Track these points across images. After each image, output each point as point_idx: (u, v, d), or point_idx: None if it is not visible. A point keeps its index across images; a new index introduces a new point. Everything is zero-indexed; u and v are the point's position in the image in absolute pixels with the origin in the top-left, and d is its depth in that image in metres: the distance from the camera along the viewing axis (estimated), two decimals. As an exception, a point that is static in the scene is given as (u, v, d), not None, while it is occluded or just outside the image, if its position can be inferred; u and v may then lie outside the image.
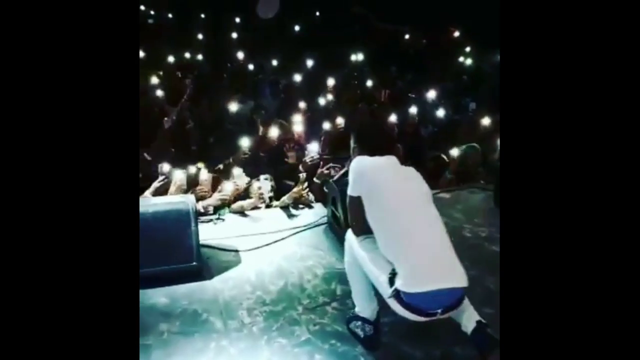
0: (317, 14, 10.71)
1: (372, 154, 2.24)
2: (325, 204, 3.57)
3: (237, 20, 9.85)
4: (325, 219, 3.50)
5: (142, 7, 11.23)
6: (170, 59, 7.46)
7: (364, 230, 2.19)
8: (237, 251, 3.13)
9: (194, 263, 2.81)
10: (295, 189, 3.70)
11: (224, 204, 3.61)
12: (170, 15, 10.44)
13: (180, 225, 2.85)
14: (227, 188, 3.60)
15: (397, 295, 1.98)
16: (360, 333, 2.30)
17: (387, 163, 2.23)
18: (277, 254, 3.12)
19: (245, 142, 4.11)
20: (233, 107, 5.59)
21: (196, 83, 6.63)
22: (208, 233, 3.23)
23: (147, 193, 3.53)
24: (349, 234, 2.32)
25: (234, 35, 9.06)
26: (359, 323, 2.30)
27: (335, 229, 3.33)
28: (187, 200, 2.96)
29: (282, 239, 3.28)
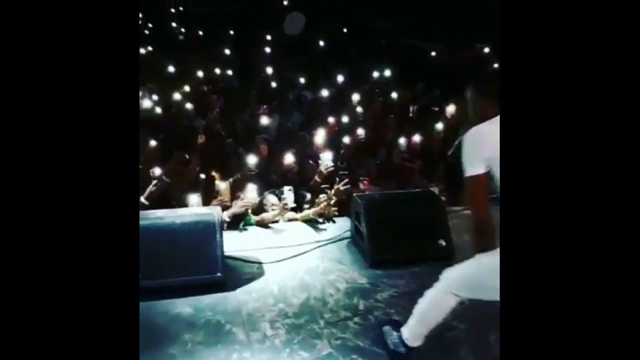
0: (344, 30, 10.84)
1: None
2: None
3: (267, 37, 10.06)
4: (348, 234, 3.51)
5: (174, 24, 11.62)
6: (200, 73, 7.65)
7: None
8: (260, 263, 3.16)
9: (219, 274, 2.85)
10: (322, 204, 3.71)
11: (247, 212, 3.65)
12: (200, 32, 10.74)
13: (206, 236, 2.90)
14: (249, 196, 3.62)
15: None
16: (391, 345, 2.25)
17: None
18: (299, 267, 3.14)
19: (251, 160, 4.13)
20: (264, 120, 5.66)
21: (224, 97, 6.79)
22: (232, 244, 3.27)
23: (142, 198, 3.56)
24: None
25: (262, 50, 9.25)
26: (395, 336, 2.23)
27: (358, 244, 3.33)
28: (214, 212, 3.02)
29: (305, 252, 3.30)
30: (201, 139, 5.17)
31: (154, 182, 3.67)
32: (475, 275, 1.99)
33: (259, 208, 3.80)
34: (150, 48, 9.14)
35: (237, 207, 3.60)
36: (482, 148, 1.87)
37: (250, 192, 3.60)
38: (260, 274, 3.06)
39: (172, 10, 12.97)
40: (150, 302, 2.71)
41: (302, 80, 7.70)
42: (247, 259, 3.18)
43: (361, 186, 3.91)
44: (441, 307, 2.08)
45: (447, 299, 2.06)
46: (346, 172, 4.21)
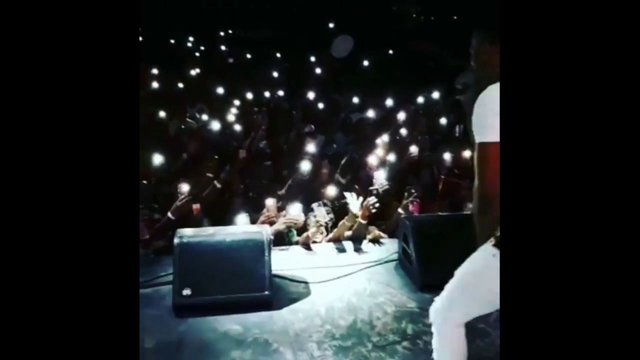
0: (390, 52, 10.89)
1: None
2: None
3: (312, 59, 10.24)
4: (395, 256, 3.45)
5: (223, 47, 12.03)
6: (249, 95, 7.85)
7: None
8: (306, 283, 3.15)
9: (267, 292, 2.86)
10: (375, 232, 3.69)
11: (291, 229, 3.65)
12: (248, 56, 11.06)
13: (254, 254, 2.93)
14: (293, 212, 3.63)
15: None
16: None
17: None
18: (346, 288, 3.11)
19: (305, 166, 4.11)
20: (309, 141, 5.72)
21: (269, 117, 6.92)
22: (277, 263, 3.28)
23: (169, 213, 3.62)
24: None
25: (309, 72, 9.41)
26: None
27: (406, 267, 3.27)
28: (263, 230, 3.05)
29: (352, 273, 3.27)
30: (242, 154, 5.26)
31: (181, 196, 3.70)
32: (464, 292, 1.77)
33: (303, 228, 3.81)
34: (199, 70, 9.46)
35: (279, 224, 3.61)
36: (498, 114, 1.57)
37: (294, 209, 3.62)
38: (306, 293, 3.05)
39: (222, 33, 13.45)
40: (199, 318, 2.76)
41: (349, 101, 7.76)
42: (293, 278, 3.18)
43: (410, 207, 3.83)
44: (453, 342, 1.82)
45: (453, 331, 1.81)
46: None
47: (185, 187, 3.79)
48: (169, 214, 3.64)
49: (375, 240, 3.71)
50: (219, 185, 4.46)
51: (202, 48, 11.71)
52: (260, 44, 11.41)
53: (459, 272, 1.80)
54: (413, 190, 3.90)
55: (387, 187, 3.99)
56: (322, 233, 3.75)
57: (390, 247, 3.59)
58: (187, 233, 3.00)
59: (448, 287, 1.83)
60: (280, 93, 8.26)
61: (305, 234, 3.69)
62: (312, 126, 6.52)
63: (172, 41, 11.76)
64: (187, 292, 2.81)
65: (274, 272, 3.01)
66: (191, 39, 12.20)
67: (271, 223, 3.64)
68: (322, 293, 3.05)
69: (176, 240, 2.90)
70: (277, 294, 2.97)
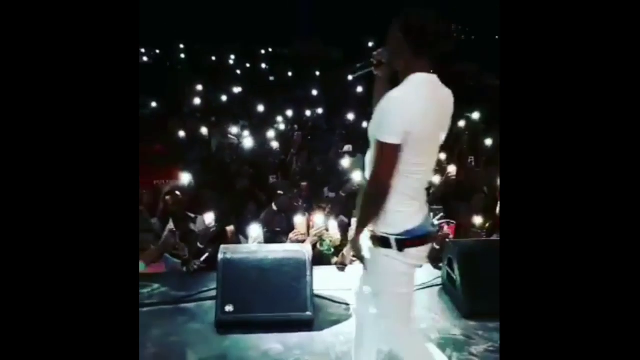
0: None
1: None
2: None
3: (349, 77, 10.31)
4: (438, 280, 3.37)
5: (263, 65, 12.29)
6: (289, 113, 7.94)
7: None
8: (347, 305, 3.10)
9: (308, 313, 2.84)
10: None
11: (321, 238, 3.61)
12: (290, 74, 11.24)
13: (296, 273, 2.92)
14: (318, 222, 3.58)
15: (398, 238, 1.74)
16: None
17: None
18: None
19: (356, 177, 4.05)
20: (345, 162, 5.71)
21: (310, 136, 6.97)
22: (317, 283, 3.25)
23: (199, 243, 3.54)
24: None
25: (348, 91, 9.46)
26: None
27: (451, 292, 3.18)
28: (304, 249, 3.04)
29: (394, 296, 3.20)
30: (273, 179, 5.22)
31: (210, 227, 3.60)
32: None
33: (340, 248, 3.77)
34: (241, 87, 9.67)
35: (310, 239, 3.58)
36: (403, 116, 1.65)
37: (318, 219, 3.59)
38: (347, 315, 3.01)
39: (263, 51, 13.75)
40: (241, 335, 2.76)
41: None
42: (334, 299, 3.14)
43: (445, 229, 3.73)
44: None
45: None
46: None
47: (209, 218, 3.58)
48: (199, 244, 3.55)
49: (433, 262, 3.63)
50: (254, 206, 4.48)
51: (244, 65, 11.98)
52: (301, 62, 11.58)
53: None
54: (441, 213, 3.79)
55: None
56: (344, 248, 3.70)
57: (433, 271, 3.51)
58: (231, 249, 3.03)
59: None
60: (320, 111, 8.32)
61: (341, 253, 3.66)
62: (351, 146, 6.49)
63: (214, 58, 12.08)
64: (229, 308, 2.82)
65: (315, 292, 2.99)
66: (233, 56, 12.52)
67: (302, 241, 3.63)
68: (364, 316, 2.99)
69: (220, 256, 2.93)
70: (318, 315, 2.94)
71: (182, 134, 6.81)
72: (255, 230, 3.53)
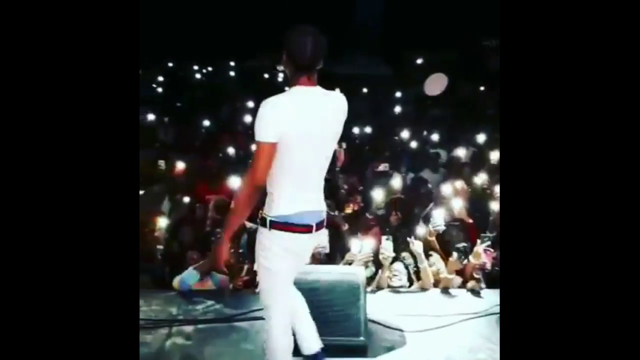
0: (482, 88, 10.63)
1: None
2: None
3: (398, 94, 10.25)
4: (497, 309, 3.22)
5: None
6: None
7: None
8: (402, 331, 3.02)
9: (362, 338, 2.78)
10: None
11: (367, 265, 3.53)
12: (338, 90, 11.27)
13: (349, 297, 2.87)
14: (366, 247, 3.47)
15: (274, 222, 2.04)
16: None
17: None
18: (444, 340, 2.94)
19: (378, 196, 3.94)
20: (396, 181, 5.59)
21: (354, 152, 6.92)
22: (371, 308, 3.19)
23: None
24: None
25: (395, 107, 9.40)
26: None
27: (510, 322, 3.04)
28: (358, 272, 2.99)
29: (450, 324, 3.09)
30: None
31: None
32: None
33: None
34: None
35: (358, 262, 3.46)
36: (278, 118, 1.92)
37: (357, 246, 3.48)
38: (401, 342, 2.93)
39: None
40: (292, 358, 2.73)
41: (435, 137, 7.60)
42: (389, 325, 3.07)
43: (483, 257, 3.50)
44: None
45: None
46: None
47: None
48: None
49: (473, 290, 3.50)
50: None
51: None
52: (348, 79, 11.61)
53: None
54: (487, 236, 3.62)
55: (441, 227, 3.76)
56: (400, 279, 3.59)
57: (492, 298, 3.36)
58: (284, 270, 3.02)
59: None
60: (368, 129, 8.28)
61: (377, 277, 3.57)
62: (387, 165, 6.39)
63: (266, 76, 12.31)
64: (282, 330, 2.79)
65: (368, 316, 2.93)
66: (282, 74, 12.72)
67: (348, 263, 3.54)
68: (419, 344, 2.91)
69: (273, 277, 2.92)
70: (371, 340, 2.87)
71: (232, 150, 6.94)
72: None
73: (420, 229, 3.90)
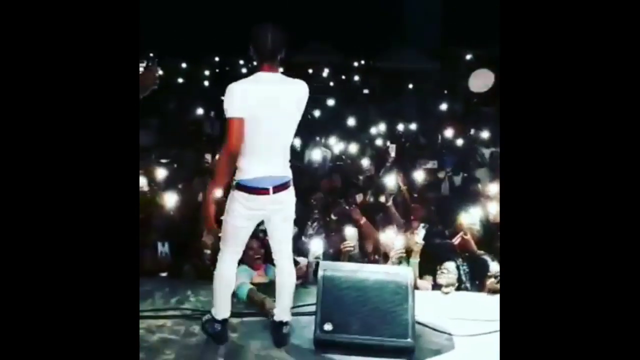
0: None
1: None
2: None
3: (445, 91, 10.05)
4: (550, 316, 3.10)
5: (356, 77, 12.34)
6: (382, 127, 7.87)
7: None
8: (450, 335, 2.95)
9: (409, 340, 2.73)
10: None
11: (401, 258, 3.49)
12: (383, 87, 11.19)
13: (397, 297, 2.82)
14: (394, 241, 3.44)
15: (238, 185, 2.49)
16: (210, 331, 2.75)
17: None
18: (493, 345, 2.83)
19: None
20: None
21: (402, 151, 6.83)
22: (419, 309, 3.12)
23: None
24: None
25: (441, 105, 9.21)
26: (210, 324, 2.76)
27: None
28: (406, 273, 2.94)
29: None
30: (359, 198, 5.04)
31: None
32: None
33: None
34: (334, 100, 9.75)
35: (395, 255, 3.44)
36: (241, 97, 2.35)
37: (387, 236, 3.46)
38: (449, 346, 2.86)
39: (355, 64, 13.83)
40: (338, 355, 2.72)
41: (485, 135, 7.40)
42: (437, 328, 3.00)
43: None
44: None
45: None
46: None
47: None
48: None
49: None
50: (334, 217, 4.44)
51: (339, 78, 12.11)
52: (395, 75, 11.48)
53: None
54: None
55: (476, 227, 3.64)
56: (448, 277, 3.52)
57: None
58: (331, 266, 3.00)
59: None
60: (413, 127, 8.16)
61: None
62: (435, 162, 6.27)
63: (310, 71, 12.34)
64: (328, 327, 2.78)
65: (416, 318, 2.87)
66: (327, 70, 12.72)
67: (349, 254, 3.53)
68: (468, 349, 2.83)
69: (320, 273, 2.91)
70: (418, 343, 2.81)
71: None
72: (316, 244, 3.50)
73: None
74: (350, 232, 3.74)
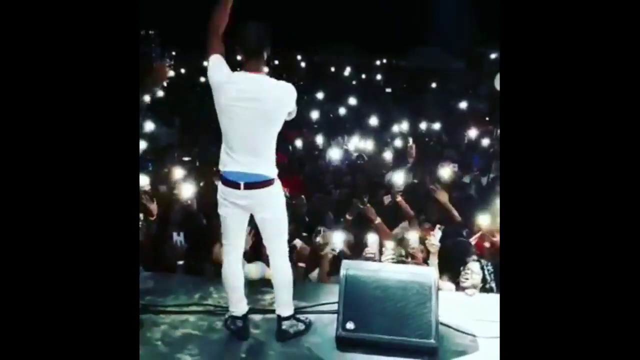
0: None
1: None
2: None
3: (470, 91, 9.91)
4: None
5: (379, 76, 12.27)
6: (404, 126, 7.81)
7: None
8: (474, 336, 2.90)
9: (432, 341, 2.69)
10: None
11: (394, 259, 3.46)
12: (404, 85, 11.10)
13: (421, 297, 2.79)
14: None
15: (220, 175, 2.60)
16: (232, 327, 2.79)
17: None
18: (519, 349, 2.79)
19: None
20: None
21: (423, 150, 6.77)
22: (442, 310, 3.08)
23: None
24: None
25: (461, 104, 9.10)
26: (231, 320, 2.80)
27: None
28: (430, 273, 2.90)
29: (526, 333, 2.93)
30: (387, 200, 5.01)
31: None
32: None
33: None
34: (357, 99, 9.71)
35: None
36: (216, 98, 2.47)
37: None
38: (474, 347, 2.81)
39: (378, 62, 13.76)
40: (360, 355, 2.70)
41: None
42: (460, 329, 2.96)
43: None
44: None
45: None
46: None
47: None
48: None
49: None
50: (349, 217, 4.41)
51: (361, 77, 12.06)
52: (416, 73, 11.38)
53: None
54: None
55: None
56: (472, 279, 3.47)
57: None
58: (353, 265, 2.99)
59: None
60: (436, 126, 8.07)
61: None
62: (456, 165, 6.17)
63: (332, 69, 12.33)
64: (350, 325, 2.77)
65: (439, 318, 2.83)
66: (349, 68, 12.68)
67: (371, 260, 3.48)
68: (492, 350, 2.77)
69: (343, 272, 2.89)
70: (442, 344, 2.78)
71: (299, 143, 7.00)
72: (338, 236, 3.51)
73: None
74: (372, 238, 3.71)
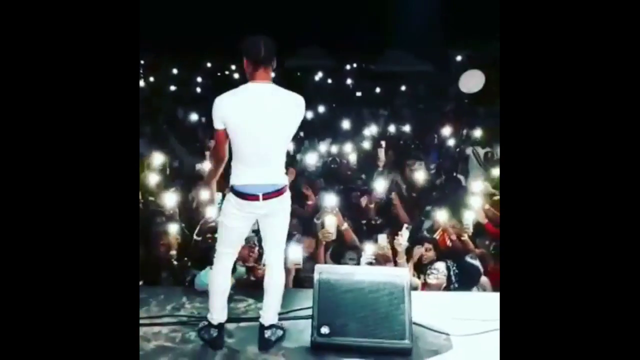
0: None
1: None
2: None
3: (437, 93, 10.07)
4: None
5: (349, 81, 12.34)
6: (373, 129, 7.87)
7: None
8: (448, 335, 2.94)
9: (406, 341, 2.72)
10: None
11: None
12: (377, 90, 11.20)
13: (394, 298, 2.81)
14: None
15: (232, 188, 2.60)
16: (206, 337, 2.77)
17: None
18: (492, 345, 2.83)
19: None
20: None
21: (396, 152, 6.83)
22: (416, 310, 3.11)
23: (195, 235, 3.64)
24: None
25: (436, 106, 9.23)
26: (206, 330, 2.79)
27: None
28: (403, 274, 2.93)
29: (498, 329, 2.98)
30: (364, 201, 4.95)
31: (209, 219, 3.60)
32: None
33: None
34: (326, 104, 9.74)
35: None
36: (220, 110, 2.47)
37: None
38: (447, 346, 2.85)
39: (348, 67, 13.84)
40: (335, 359, 2.70)
41: (477, 135, 7.40)
42: (434, 328, 2.99)
43: None
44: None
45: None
46: None
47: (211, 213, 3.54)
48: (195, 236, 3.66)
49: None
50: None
51: (330, 81, 12.10)
52: (388, 77, 11.50)
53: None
54: None
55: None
56: (436, 278, 3.55)
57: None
58: (326, 269, 2.98)
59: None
60: (406, 128, 8.15)
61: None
62: (422, 162, 6.23)
63: (299, 74, 12.34)
64: (325, 330, 2.77)
65: (413, 319, 2.85)
66: (320, 73, 12.72)
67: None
68: (466, 348, 2.82)
69: (316, 276, 2.89)
70: (416, 344, 2.81)
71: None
72: (295, 252, 3.35)
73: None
74: (329, 220, 3.73)
